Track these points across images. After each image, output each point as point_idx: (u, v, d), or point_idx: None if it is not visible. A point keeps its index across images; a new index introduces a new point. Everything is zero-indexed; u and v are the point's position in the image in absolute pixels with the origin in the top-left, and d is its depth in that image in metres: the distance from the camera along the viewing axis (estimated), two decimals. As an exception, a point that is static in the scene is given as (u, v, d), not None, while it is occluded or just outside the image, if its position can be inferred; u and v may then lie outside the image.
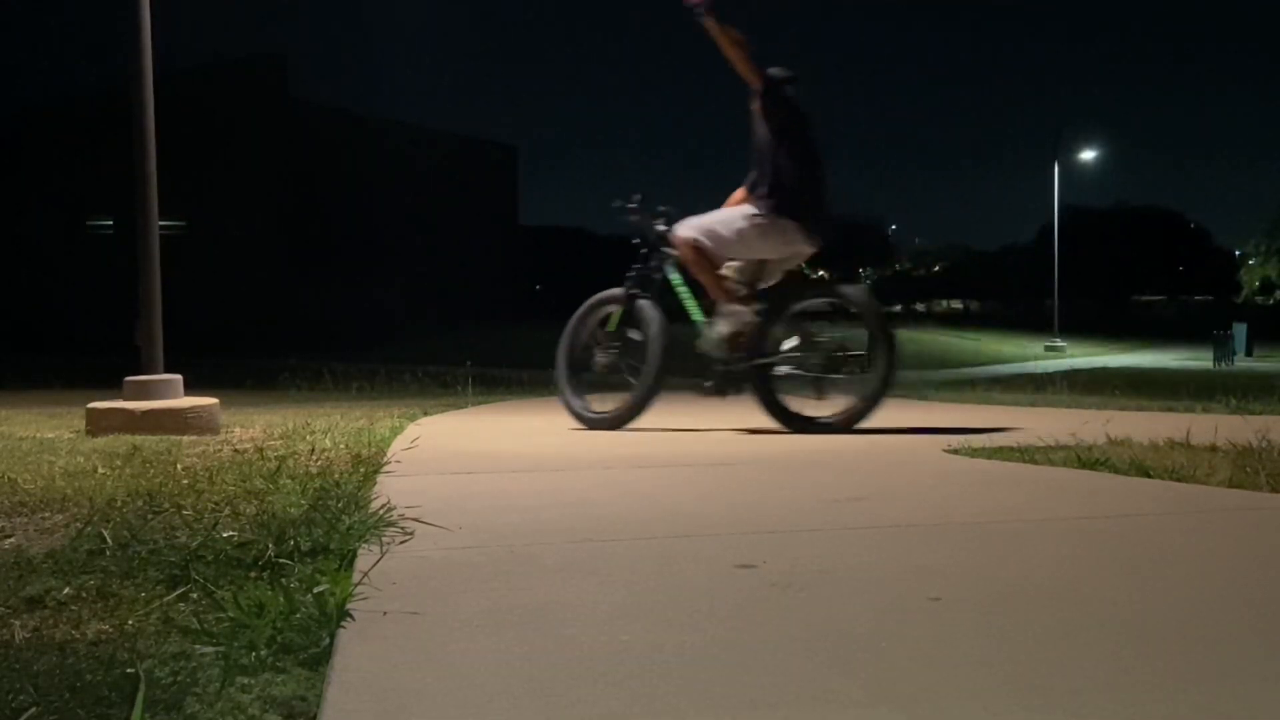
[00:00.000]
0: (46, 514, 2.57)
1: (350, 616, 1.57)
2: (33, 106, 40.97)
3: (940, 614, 1.60)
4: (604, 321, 5.56)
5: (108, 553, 2.06)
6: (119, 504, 2.63)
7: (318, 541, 2.09)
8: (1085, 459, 3.44)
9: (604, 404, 5.44)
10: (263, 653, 1.42)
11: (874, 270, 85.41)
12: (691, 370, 5.30)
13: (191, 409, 5.21)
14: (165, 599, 1.72)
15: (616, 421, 5.22)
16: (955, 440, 4.20)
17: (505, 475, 3.43)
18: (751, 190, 4.85)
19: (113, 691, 1.29)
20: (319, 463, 3.51)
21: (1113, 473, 3.22)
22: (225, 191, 36.86)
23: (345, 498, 2.68)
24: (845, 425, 4.74)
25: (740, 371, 4.97)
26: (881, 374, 4.70)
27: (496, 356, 17.61)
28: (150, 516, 2.44)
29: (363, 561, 1.93)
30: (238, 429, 5.27)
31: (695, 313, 5.29)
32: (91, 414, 5.21)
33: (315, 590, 1.64)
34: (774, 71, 4.82)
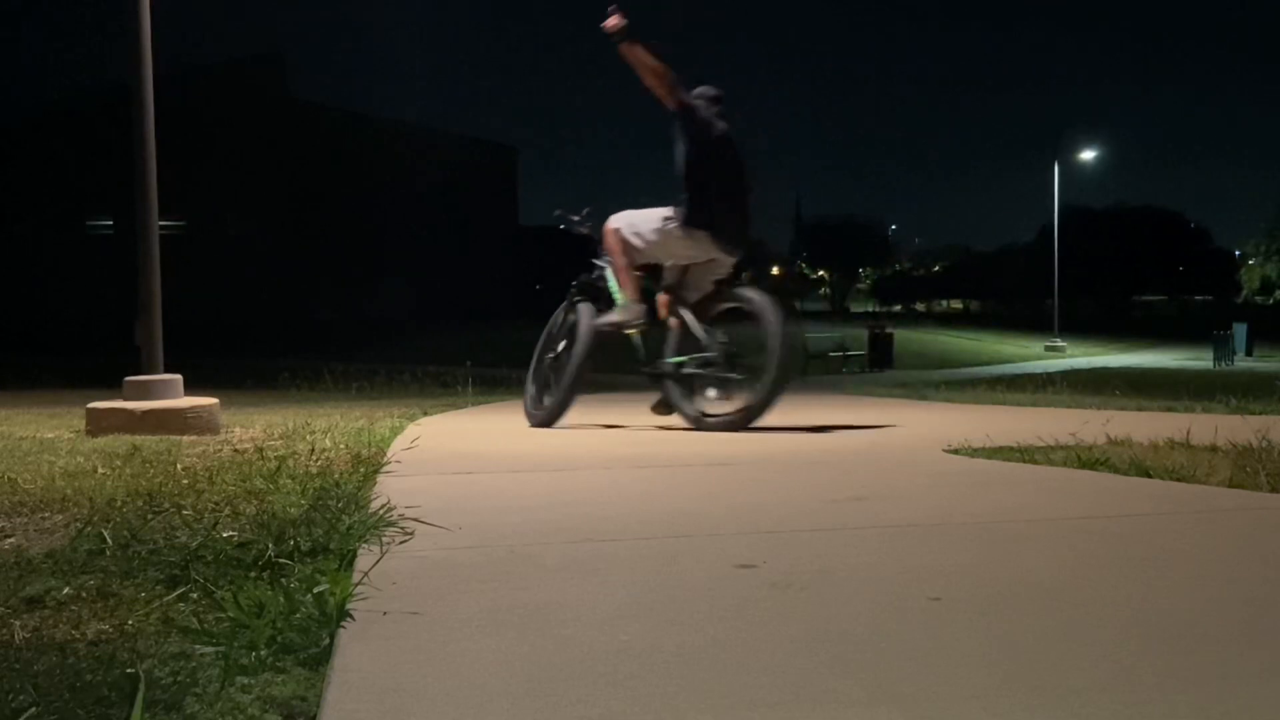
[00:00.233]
0: (46, 514, 2.57)
1: (350, 616, 1.57)
2: (33, 106, 40.97)
3: (940, 614, 1.60)
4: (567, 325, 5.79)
5: (108, 553, 2.06)
6: (119, 504, 2.63)
7: (318, 541, 2.09)
8: (1085, 459, 3.44)
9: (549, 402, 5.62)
10: (263, 653, 1.42)
11: (874, 270, 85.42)
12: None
13: (191, 409, 5.21)
14: (165, 599, 1.72)
15: (546, 420, 5.45)
16: (955, 440, 4.20)
17: (505, 475, 3.43)
18: (675, 203, 5.11)
19: (113, 691, 1.29)
20: (319, 463, 3.51)
21: (1113, 473, 3.22)
22: (225, 191, 36.87)
23: (345, 498, 2.68)
24: (741, 423, 4.86)
25: (659, 371, 5.25)
26: (774, 375, 4.82)
27: (496, 356, 17.61)
28: (150, 516, 2.43)
29: (363, 561, 1.93)
30: (238, 429, 5.27)
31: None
32: (91, 414, 5.21)
33: (315, 590, 1.64)
34: (700, 90, 5.06)
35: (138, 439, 4.61)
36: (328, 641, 1.47)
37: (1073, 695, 1.23)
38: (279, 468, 3.21)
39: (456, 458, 3.96)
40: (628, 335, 5.30)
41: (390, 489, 2.87)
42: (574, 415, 5.64)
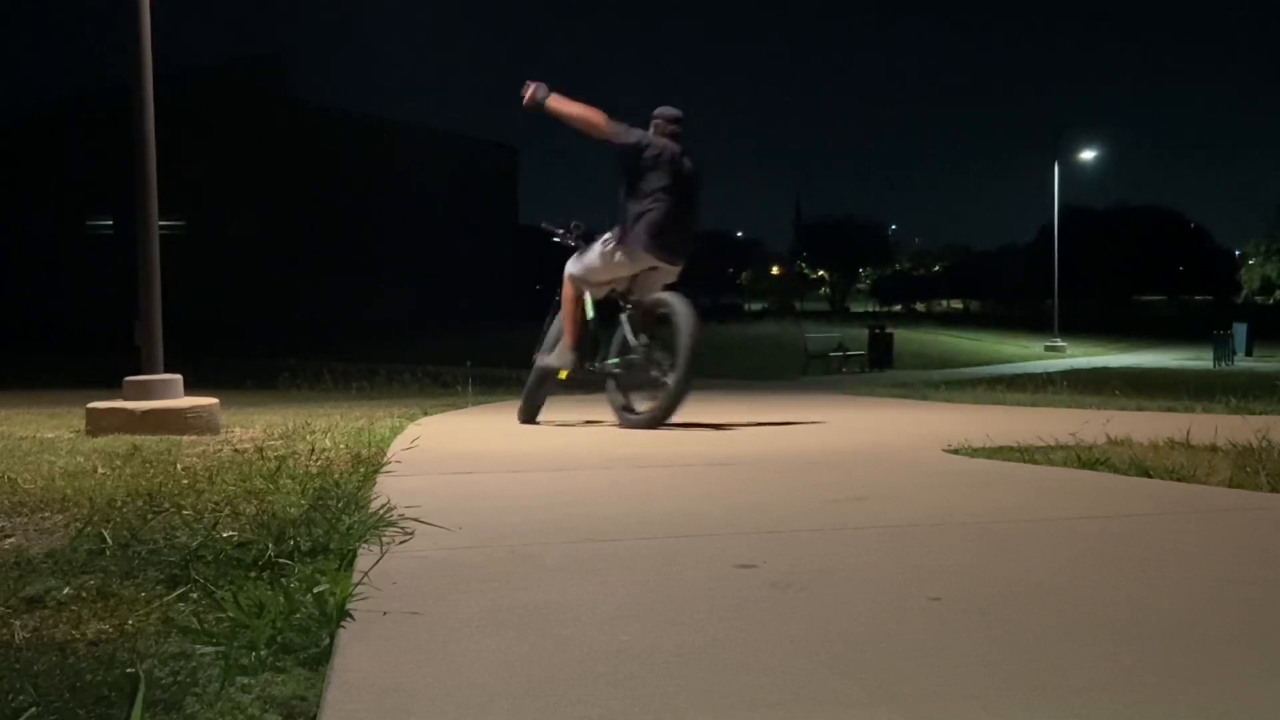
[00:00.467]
0: (46, 514, 2.57)
1: (350, 616, 1.57)
2: (33, 106, 40.97)
3: (940, 614, 1.60)
4: None
5: (108, 553, 2.06)
6: (119, 504, 2.63)
7: (318, 541, 2.09)
8: (1085, 459, 3.44)
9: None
10: (263, 653, 1.42)
11: (874, 270, 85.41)
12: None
13: (191, 409, 5.21)
14: (165, 599, 1.72)
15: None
16: (955, 440, 4.20)
17: (505, 475, 3.43)
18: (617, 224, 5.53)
19: (113, 691, 1.29)
20: (319, 463, 3.51)
21: (1113, 473, 3.22)
22: (225, 192, 36.88)
23: (345, 498, 2.68)
24: (651, 422, 5.14)
25: (604, 371, 5.60)
26: (679, 376, 5.07)
27: (496, 356, 17.60)
28: (150, 516, 2.44)
29: (363, 561, 1.94)
30: (238, 429, 5.27)
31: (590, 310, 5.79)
32: (91, 414, 5.21)
33: (315, 590, 1.64)
34: (660, 111, 5.44)
35: (138, 439, 4.61)
36: (328, 641, 1.47)
37: (1073, 695, 1.23)
38: (279, 468, 3.21)
39: (456, 458, 3.96)
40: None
41: (390, 489, 2.87)
42: (573, 415, 5.71)
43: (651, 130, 5.41)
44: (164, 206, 5.82)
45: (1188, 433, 4.06)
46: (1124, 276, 70.04)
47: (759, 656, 1.39)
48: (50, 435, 4.97)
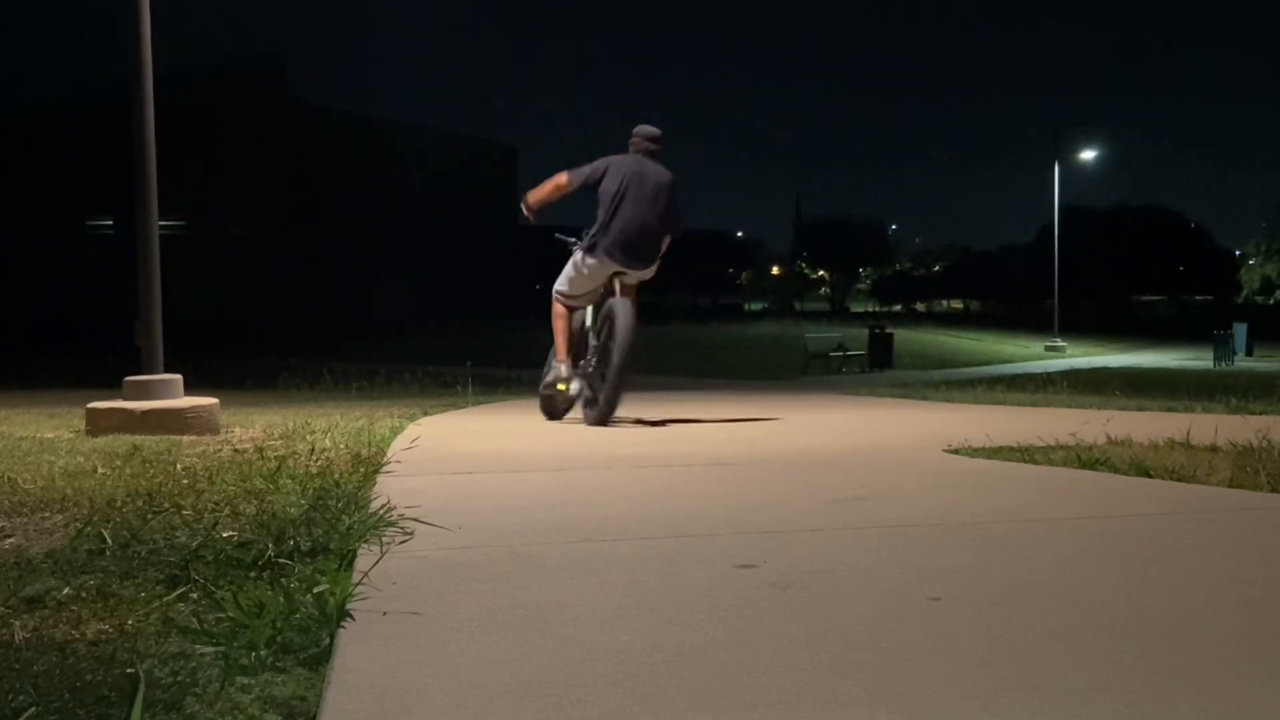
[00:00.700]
0: (46, 514, 2.57)
1: (350, 616, 1.57)
2: (33, 107, 40.96)
3: (940, 614, 1.60)
4: None
5: (108, 553, 2.06)
6: (119, 504, 2.63)
7: (318, 541, 2.09)
8: (1085, 459, 3.44)
9: None
10: (263, 653, 1.42)
11: (874, 270, 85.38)
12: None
13: (191, 409, 5.21)
14: (165, 599, 1.72)
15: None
16: (955, 440, 4.20)
17: (505, 475, 3.43)
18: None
19: (113, 691, 1.29)
20: (319, 463, 3.51)
21: (1113, 473, 3.22)
22: (225, 192, 36.88)
23: (345, 498, 2.68)
24: (599, 419, 5.42)
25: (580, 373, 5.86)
26: (612, 377, 5.38)
27: (496, 356, 17.60)
28: (150, 516, 2.44)
29: (363, 561, 1.94)
30: (238, 429, 5.27)
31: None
32: (91, 414, 5.21)
33: (315, 590, 1.64)
34: (639, 129, 5.92)
35: (138, 439, 4.61)
36: (328, 641, 1.47)
37: (1073, 695, 1.23)
38: (279, 468, 3.21)
39: (456, 458, 3.96)
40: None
41: (390, 489, 2.87)
42: (571, 415, 5.75)
43: (630, 148, 5.88)
44: (164, 206, 5.82)
45: (1188, 433, 4.06)
46: (1124, 276, 70.00)
47: (759, 656, 1.39)
48: (50, 435, 4.97)
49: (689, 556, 2.03)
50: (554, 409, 6.02)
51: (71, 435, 5.00)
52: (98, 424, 5.12)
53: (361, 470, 3.31)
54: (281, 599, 1.61)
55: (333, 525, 2.23)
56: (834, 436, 4.82)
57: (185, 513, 2.48)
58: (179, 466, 3.48)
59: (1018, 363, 29.49)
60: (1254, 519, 2.46)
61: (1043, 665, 1.34)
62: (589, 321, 5.94)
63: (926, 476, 3.27)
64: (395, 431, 4.87)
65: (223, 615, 1.58)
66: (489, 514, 2.55)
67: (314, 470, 3.27)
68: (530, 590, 1.76)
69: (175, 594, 1.74)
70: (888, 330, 25.95)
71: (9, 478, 3.17)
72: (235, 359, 19.36)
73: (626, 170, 5.79)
